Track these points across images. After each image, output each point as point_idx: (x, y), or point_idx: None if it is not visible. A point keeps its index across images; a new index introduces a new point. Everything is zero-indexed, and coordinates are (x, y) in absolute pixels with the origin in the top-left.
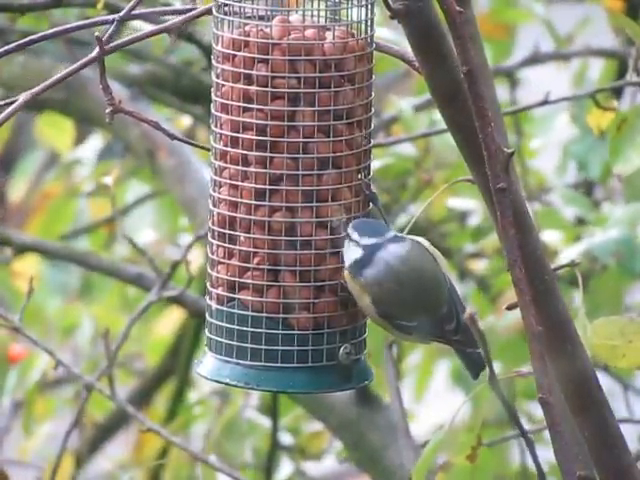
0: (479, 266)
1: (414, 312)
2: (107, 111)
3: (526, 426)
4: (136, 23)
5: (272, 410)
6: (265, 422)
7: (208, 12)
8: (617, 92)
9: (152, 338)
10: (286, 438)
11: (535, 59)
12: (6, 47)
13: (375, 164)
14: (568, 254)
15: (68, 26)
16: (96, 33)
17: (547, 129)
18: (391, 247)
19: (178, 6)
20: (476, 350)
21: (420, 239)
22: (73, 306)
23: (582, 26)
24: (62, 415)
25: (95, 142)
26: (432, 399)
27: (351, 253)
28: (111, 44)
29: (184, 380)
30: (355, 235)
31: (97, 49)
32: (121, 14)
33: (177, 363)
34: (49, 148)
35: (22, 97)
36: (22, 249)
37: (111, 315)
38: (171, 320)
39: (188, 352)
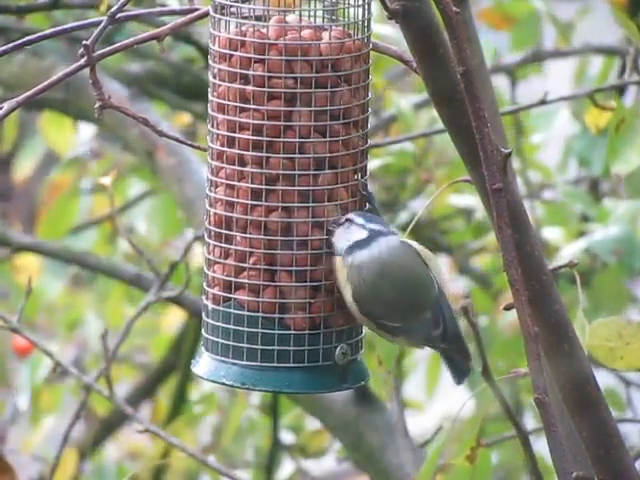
0: (483, 261)
1: (396, 312)
2: (96, 106)
3: (532, 422)
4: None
5: (273, 409)
6: (266, 420)
7: (202, 17)
8: (619, 90)
9: (157, 332)
10: (287, 437)
11: (536, 57)
12: (4, 47)
13: (375, 162)
14: (569, 251)
15: (66, 26)
16: (84, 42)
17: (548, 125)
18: (392, 238)
19: (175, 7)
20: (464, 359)
21: (413, 243)
22: (79, 297)
23: (582, 13)
24: (68, 405)
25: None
26: (441, 391)
27: (353, 235)
28: (99, 51)
29: (187, 375)
30: (360, 220)
31: (85, 57)
32: (111, 11)
33: (180, 358)
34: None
35: (6, 105)
36: (21, 249)
37: (117, 306)
38: (176, 314)
39: (191, 347)
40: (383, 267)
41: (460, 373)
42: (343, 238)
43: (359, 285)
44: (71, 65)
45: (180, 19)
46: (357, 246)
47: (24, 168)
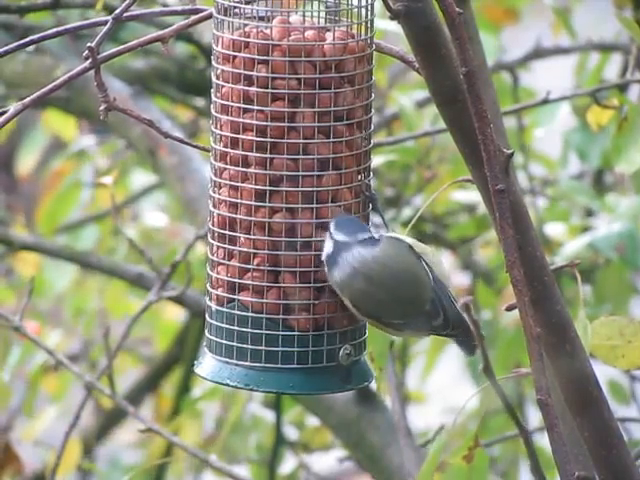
0: (487, 255)
1: (397, 310)
2: (101, 108)
3: (535, 416)
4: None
5: (276, 405)
6: (269, 416)
7: (206, 19)
8: (621, 88)
9: (161, 323)
10: (291, 432)
11: (537, 54)
12: (6, 47)
13: (379, 159)
14: (571, 247)
15: (68, 26)
16: (88, 44)
17: (550, 119)
18: (357, 250)
19: (176, 7)
20: (470, 339)
21: (402, 237)
22: (85, 285)
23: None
24: (74, 392)
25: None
26: (444, 383)
27: (326, 246)
28: (104, 53)
29: (190, 369)
30: (332, 228)
31: (90, 60)
32: (115, 13)
33: (184, 351)
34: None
35: (13, 108)
36: (23, 249)
37: (118, 293)
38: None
39: (195, 340)
40: (371, 276)
41: (470, 348)
42: (324, 246)
43: (351, 295)
44: (75, 62)
45: (184, 21)
46: (329, 262)
47: (27, 162)
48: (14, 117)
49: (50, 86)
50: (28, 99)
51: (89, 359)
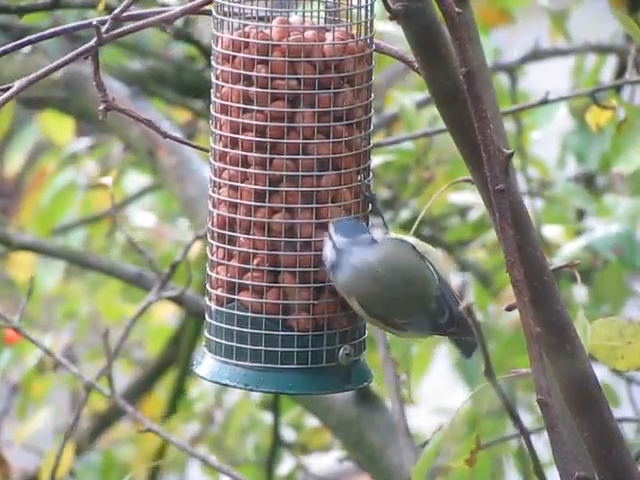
0: (482, 257)
1: (403, 310)
2: (100, 108)
3: (527, 419)
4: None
5: (274, 406)
6: (267, 418)
7: (209, 3)
8: (617, 89)
9: (153, 326)
10: (288, 433)
11: (535, 55)
12: (4, 47)
13: (377, 160)
14: (569, 249)
15: (66, 26)
16: (94, 21)
17: (548, 121)
18: (359, 252)
19: (175, 6)
20: (470, 338)
21: (405, 237)
22: (72, 287)
23: (575, 3)
24: (56, 395)
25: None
26: (436, 383)
27: (328, 252)
28: (109, 33)
29: (185, 370)
30: (333, 234)
31: (95, 38)
32: (115, 12)
33: (179, 353)
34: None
35: (17, 83)
36: (21, 249)
37: (109, 296)
38: (173, 308)
39: (190, 342)
40: (377, 278)
41: (468, 349)
42: (326, 253)
43: (360, 297)
44: (72, 63)
45: (189, 3)
46: (334, 268)
47: (14, 161)
48: (17, 94)
49: (57, 62)
50: (33, 75)
51: (72, 361)
